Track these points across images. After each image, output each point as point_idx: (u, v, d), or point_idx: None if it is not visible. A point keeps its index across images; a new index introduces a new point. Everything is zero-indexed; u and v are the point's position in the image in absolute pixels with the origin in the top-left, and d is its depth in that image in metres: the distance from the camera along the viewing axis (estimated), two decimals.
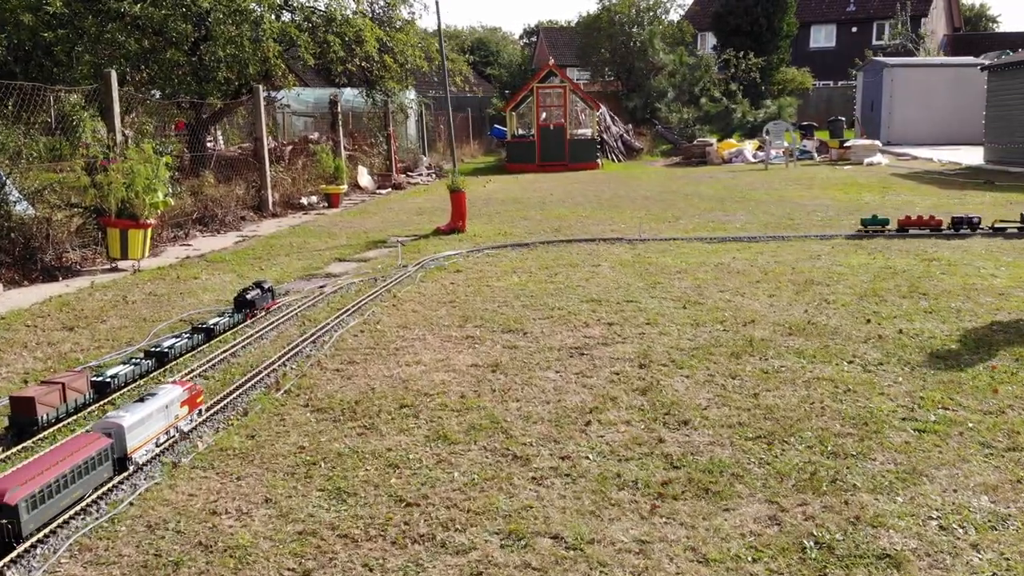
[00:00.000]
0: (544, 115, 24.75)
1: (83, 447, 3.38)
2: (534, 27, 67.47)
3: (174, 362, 5.21)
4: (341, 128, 17.98)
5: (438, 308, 6.57)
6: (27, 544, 3.01)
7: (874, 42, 46.29)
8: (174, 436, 3.97)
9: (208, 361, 5.21)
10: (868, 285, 6.98)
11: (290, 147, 18.56)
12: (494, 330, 5.81)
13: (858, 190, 15.12)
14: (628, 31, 34.07)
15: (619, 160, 26.27)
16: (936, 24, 48.64)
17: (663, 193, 15.56)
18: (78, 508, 3.29)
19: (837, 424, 3.91)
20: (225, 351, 5.44)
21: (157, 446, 3.82)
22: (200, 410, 4.24)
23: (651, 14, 34.70)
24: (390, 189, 19.05)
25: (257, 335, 5.85)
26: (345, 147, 18.29)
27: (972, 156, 21.86)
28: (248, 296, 6.23)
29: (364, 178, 18.96)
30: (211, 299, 7.23)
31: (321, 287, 7.60)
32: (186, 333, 5.55)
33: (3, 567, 2.87)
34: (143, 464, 3.71)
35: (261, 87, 14.57)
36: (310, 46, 15.77)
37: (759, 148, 25.30)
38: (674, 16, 38.13)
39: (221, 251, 10.15)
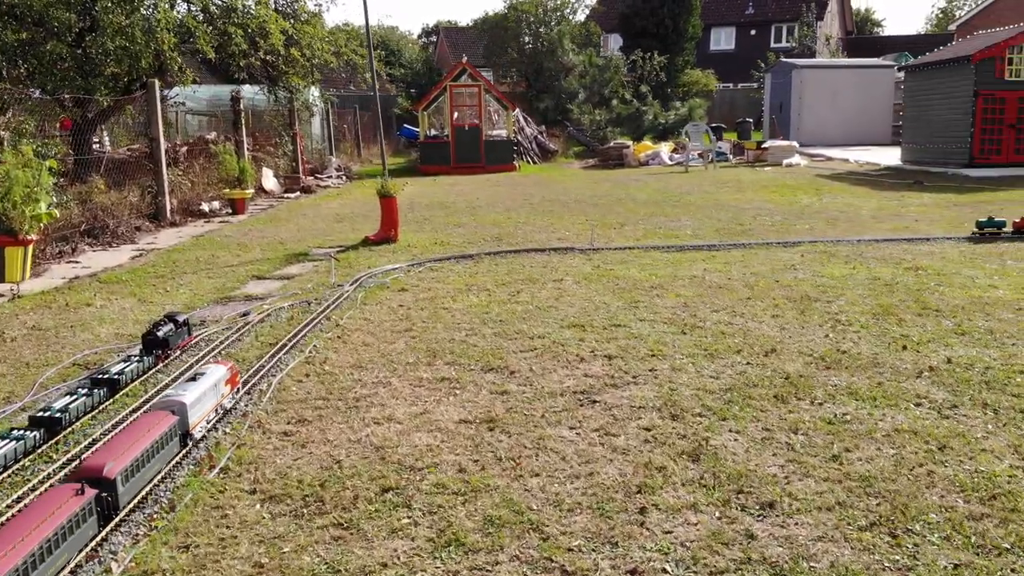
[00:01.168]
0: (457, 115, 23.75)
1: (156, 424, 3.50)
2: (433, 27, 66.17)
3: (69, 429, 4.00)
4: (244, 127, 16.54)
5: (395, 339, 5.50)
6: (123, 513, 3.15)
7: (772, 44, 47.03)
8: (220, 413, 4.14)
9: (115, 425, 4.03)
10: (872, 301, 6.27)
11: (186, 148, 16.98)
12: (472, 368, 4.79)
13: (791, 192, 14.69)
14: (536, 31, 33.41)
15: (535, 162, 25.48)
16: (831, 27, 49.87)
17: (594, 197, 14.78)
18: None
19: (959, 500, 3.07)
20: (136, 409, 4.25)
21: (207, 423, 3.98)
22: (238, 388, 4.42)
23: (558, 14, 34.12)
24: (299, 193, 17.69)
25: (174, 385, 4.66)
26: (248, 148, 16.85)
27: (887, 156, 21.96)
28: (160, 333, 5.02)
29: (270, 181, 17.54)
30: (110, 332, 5.96)
31: (244, 314, 6.40)
32: (83, 386, 4.33)
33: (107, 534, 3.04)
34: (199, 440, 3.87)
35: (156, 82, 13.07)
36: (209, 38, 14.33)
37: (674, 150, 24.97)
38: (581, 16, 37.73)
39: (116, 269, 8.76)
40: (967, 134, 17.68)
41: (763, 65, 39.29)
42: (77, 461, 3.62)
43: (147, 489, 3.34)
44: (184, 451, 3.70)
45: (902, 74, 30.76)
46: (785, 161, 21.44)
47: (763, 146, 23.05)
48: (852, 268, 7.72)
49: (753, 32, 49.07)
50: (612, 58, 33.05)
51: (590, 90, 31.59)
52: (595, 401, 4.18)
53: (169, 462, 3.56)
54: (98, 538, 2.96)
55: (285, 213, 13.88)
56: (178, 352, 5.24)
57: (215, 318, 6.33)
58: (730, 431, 3.75)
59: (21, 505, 3.20)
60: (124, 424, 3.99)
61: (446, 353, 5.11)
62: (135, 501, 3.23)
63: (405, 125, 32.07)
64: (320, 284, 7.50)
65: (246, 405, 4.33)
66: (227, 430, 4.01)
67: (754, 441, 3.63)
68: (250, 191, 14.60)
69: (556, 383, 4.49)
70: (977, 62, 17.16)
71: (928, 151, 19.25)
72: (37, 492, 3.34)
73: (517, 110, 25.58)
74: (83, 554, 2.85)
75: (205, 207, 13.72)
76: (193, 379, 4.02)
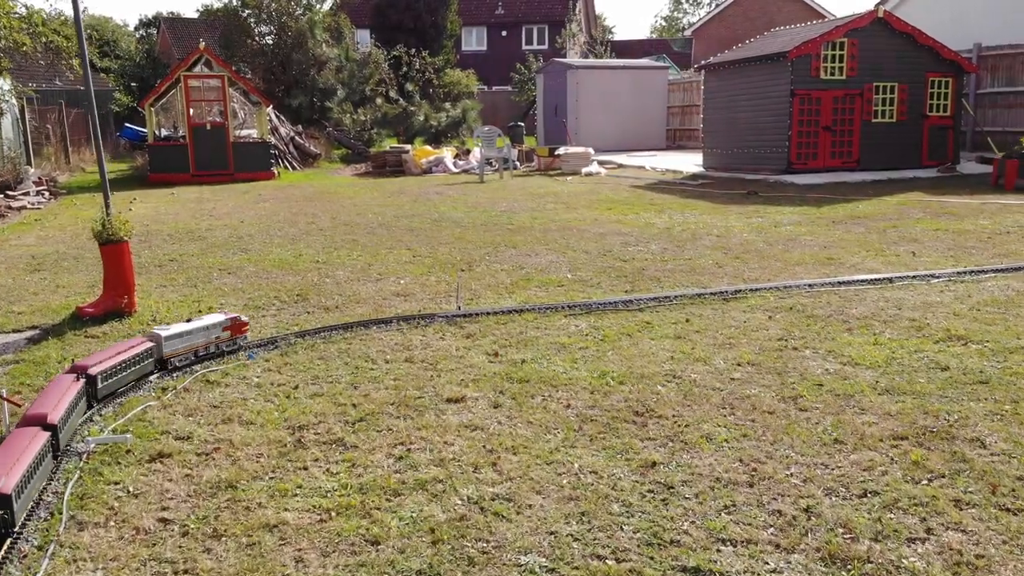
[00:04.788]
0: (195, 111, 19.38)
1: (136, 345, 4.49)
2: (152, 18, 58.93)
3: None
4: None
5: None
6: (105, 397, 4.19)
7: (524, 46, 46.00)
8: (215, 351, 4.90)
9: None
10: None
11: None
12: None
13: (628, 209, 12.26)
14: (279, 20, 29.31)
15: (295, 168, 21.60)
16: (578, 30, 49.72)
17: (400, 217, 11.47)
18: None
19: None
20: None
21: (196, 357, 4.81)
22: (245, 336, 5.11)
23: (305, 1, 30.18)
24: None
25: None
26: None
27: (682, 162, 20.46)
28: None
29: None
30: None
31: None
32: None
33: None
34: (180, 367, 4.68)
35: None
36: None
37: (457, 156, 22.18)
38: (327, 4, 34.00)
39: None
40: (784, 138, 16.30)
41: (521, 67, 37.76)
42: None
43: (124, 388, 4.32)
44: (159, 373, 4.60)
45: (673, 75, 30.16)
46: (584, 170, 19.24)
47: (556, 153, 20.77)
48: (874, 343, 5.12)
49: (504, 33, 47.84)
50: (372, 52, 29.65)
51: (349, 87, 28.01)
52: None
53: (142, 375, 4.48)
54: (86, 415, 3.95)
55: None
56: None
57: None
58: None
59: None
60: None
61: None
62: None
63: (127, 124, 26.72)
64: None
65: None
66: None
67: None
68: None
69: None
70: (794, 59, 15.78)
71: (737, 156, 17.77)
72: None
73: (271, 107, 21.54)
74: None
75: None
76: (188, 320, 4.95)
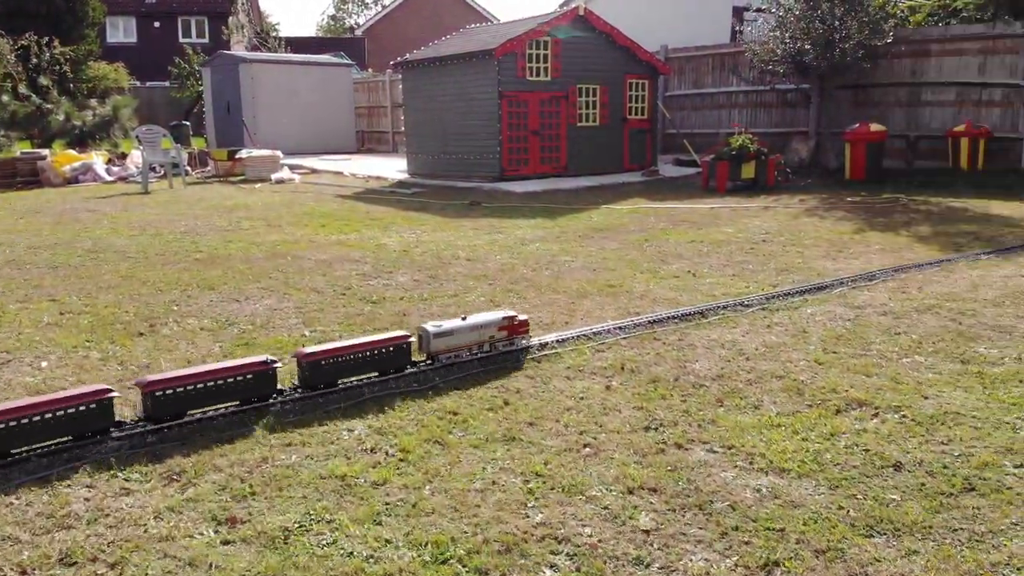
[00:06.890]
0: None
1: (396, 341, 4.28)
2: None
3: None
4: None
5: None
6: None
7: (181, 39, 41.86)
8: (489, 351, 4.55)
9: None
10: None
11: None
12: None
13: (346, 227, 10.25)
14: None
15: None
16: (247, 22, 46.30)
17: (37, 249, 8.45)
18: None
19: None
20: None
21: (471, 354, 4.49)
22: (524, 338, 4.69)
23: None
24: None
25: None
26: None
27: (386, 168, 18.73)
28: None
29: None
30: None
31: None
32: None
33: None
34: (447, 364, 4.40)
35: None
36: None
37: (111, 161, 18.59)
38: None
39: None
40: (496, 143, 15.15)
41: (181, 61, 33.91)
42: None
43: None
44: (419, 367, 4.34)
45: (356, 74, 28.24)
46: (274, 176, 16.81)
47: (237, 156, 18.04)
48: (770, 423, 3.75)
49: (157, 24, 43.21)
50: None
51: None
52: None
53: (392, 373, 4.25)
54: None
55: None
56: None
57: None
58: None
59: None
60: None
61: None
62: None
63: None
64: None
65: None
66: None
67: None
68: None
69: None
70: (500, 57, 14.68)
71: (447, 163, 16.37)
72: None
73: None
74: None
75: None
76: (463, 318, 4.55)
